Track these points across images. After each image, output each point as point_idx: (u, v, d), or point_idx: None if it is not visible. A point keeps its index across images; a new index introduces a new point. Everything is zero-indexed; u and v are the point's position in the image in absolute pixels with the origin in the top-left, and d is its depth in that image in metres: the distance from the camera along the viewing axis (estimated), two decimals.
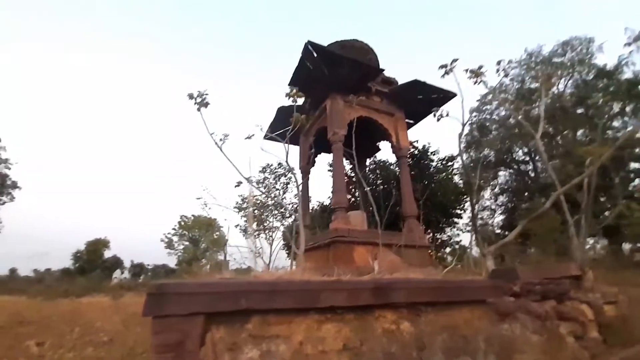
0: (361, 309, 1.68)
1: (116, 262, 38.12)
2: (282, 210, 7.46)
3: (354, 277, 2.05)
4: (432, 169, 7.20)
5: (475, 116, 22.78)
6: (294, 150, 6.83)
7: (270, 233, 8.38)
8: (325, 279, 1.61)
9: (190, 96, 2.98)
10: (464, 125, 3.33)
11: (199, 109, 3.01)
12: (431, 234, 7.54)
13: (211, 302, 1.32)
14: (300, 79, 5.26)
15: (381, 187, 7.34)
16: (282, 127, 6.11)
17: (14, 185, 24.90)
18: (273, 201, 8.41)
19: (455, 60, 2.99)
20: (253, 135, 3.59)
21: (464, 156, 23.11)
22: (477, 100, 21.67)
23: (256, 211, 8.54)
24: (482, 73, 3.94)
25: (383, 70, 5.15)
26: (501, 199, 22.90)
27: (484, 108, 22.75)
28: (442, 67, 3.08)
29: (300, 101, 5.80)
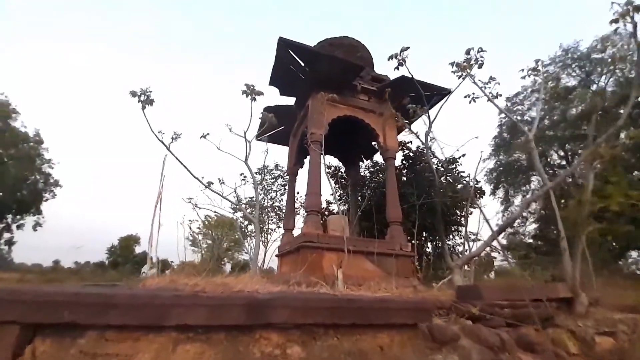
0: (236, 329, 1.47)
1: (145, 258, 40.42)
2: (269, 211, 7.36)
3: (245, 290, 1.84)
4: (430, 172, 6.71)
5: (504, 117, 21.38)
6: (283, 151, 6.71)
7: (266, 235, 8.31)
8: (179, 293, 1.42)
9: (133, 94, 2.93)
10: (431, 123, 2.97)
11: (143, 108, 2.95)
12: (431, 242, 7.03)
13: (29, 312, 1.19)
14: (281, 78, 5.12)
15: (377, 190, 6.98)
16: (270, 127, 6.01)
17: (56, 184, 27.17)
18: (270, 202, 8.33)
19: (405, 49, 2.66)
20: (208, 134, 3.47)
21: (492, 160, 21.54)
22: (507, 100, 20.45)
23: (253, 212, 8.50)
24: (470, 66, 3.54)
25: (364, 67, 4.85)
26: (534, 205, 21.14)
27: (514, 108, 21.33)
28: (391, 57, 2.76)
29: (267, 99, 5.63)
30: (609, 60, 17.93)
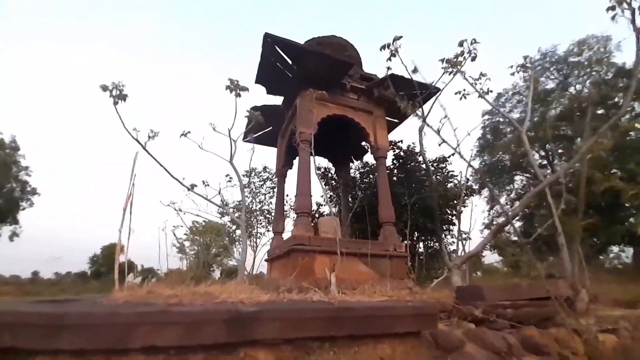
0: (217, 348, 1.26)
1: (130, 266, 39.17)
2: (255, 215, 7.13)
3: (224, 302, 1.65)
4: (421, 171, 6.66)
5: (488, 119, 21.87)
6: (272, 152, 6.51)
7: (255, 240, 8.06)
8: (145, 309, 1.22)
9: (104, 88, 2.68)
10: (424, 118, 2.85)
11: (115, 103, 2.71)
12: (423, 242, 6.95)
13: None
14: (268, 76, 4.94)
15: (368, 191, 6.86)
16: (258, 127, 5.79)
17: (34, 192, 25.89)
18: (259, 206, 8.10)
19: (398, 38, 2.53)
20: (189, 132, 3.25)
21: (476, 160, 21.85)
22: (496, 99, 20.89)
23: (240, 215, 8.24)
24: (460, 62, 3.46)
25: (353, 64, 4.73)
26: (518, 204, 21.52)
27: (496, 110, 21.83)
28: (384, 47, 2.63)
29: (256, 99, 5.47)
30: (586, 63, 18.65)
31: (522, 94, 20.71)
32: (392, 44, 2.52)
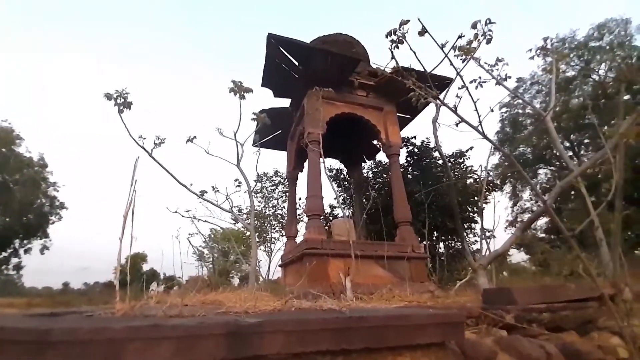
0: None
1: (153, 275, 40.38)
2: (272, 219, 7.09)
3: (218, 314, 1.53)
4: (437, 168, 6.38)
5: (506, 112, 21.05)
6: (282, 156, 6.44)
7: (270, 245, 8.01)
8: (136, 323, 1.11)
9: (109, 97, 2.67)
10: (438, 107, 2.66)
11: (121, 111, 2.70)
12: (443, 242, 6.64)
13: None
14: (274, 79, 4.88)
15: (382, 191, 6.65)
16: (268, 131, 5.75)
17: (62, 206, 27.09)
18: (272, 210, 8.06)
19: (405, 22, 2.36)
20: (195, 137, 3.20)
21: (496, 154, 21.00)
22: (508, 94, 20.08)
23: (256, 222, 8.21)
24: (474, 49, 3.24)
25: (359, 61, 4.59)
26: (548, 197, 20.44)
27: (515, 102, 20.95)
28: (389, 34, 2.46)
29: (264, 103, 5.40)
30: (607, 47, 17.65)
31: (541, 84, 19.79)
32: (399, 29, 2.35)
